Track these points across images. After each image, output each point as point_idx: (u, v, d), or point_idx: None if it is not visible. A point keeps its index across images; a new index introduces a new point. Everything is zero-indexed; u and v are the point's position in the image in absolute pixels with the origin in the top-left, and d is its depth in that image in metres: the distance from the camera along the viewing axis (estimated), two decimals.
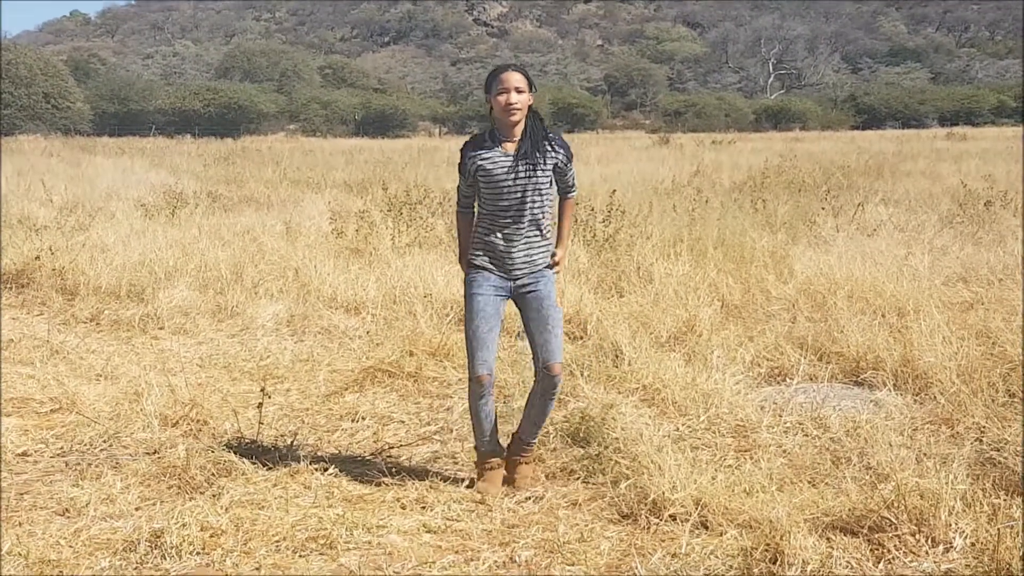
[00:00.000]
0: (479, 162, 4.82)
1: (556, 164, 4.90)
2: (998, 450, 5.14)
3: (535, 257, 4.93)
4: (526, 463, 5.07)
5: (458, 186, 5.04)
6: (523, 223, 4.86)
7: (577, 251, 10.53)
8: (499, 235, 4.86)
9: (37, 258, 10.23)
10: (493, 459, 5.01)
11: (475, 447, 5.09)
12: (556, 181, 4.95)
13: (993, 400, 5.85)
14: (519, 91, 4.78)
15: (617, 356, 6.96)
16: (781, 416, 5.86)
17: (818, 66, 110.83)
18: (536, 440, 5.12)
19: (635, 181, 19.14)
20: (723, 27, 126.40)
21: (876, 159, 25.65)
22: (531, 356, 4.98)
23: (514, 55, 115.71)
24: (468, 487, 4.93)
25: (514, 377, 6.61)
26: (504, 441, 5.15)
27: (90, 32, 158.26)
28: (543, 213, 4.90)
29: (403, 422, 6.08)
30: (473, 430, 5.04)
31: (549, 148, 4.87)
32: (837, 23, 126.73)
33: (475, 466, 5.09)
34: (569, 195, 5.12)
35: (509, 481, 5.01)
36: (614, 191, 12.79)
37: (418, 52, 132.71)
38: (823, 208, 13.56)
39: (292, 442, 5.58)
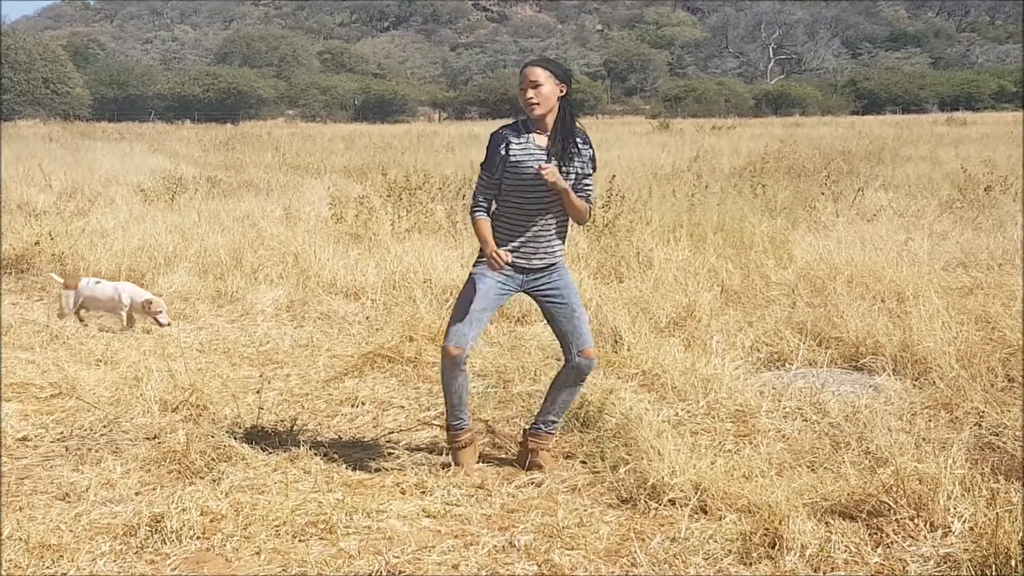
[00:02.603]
0: (513, 150, 4.78)
1: (583, 172, 4.86)
2: (997, 435, 5.14)
3: (554, 250, 4.93)
4: (546, 449, 5.05)
5: (478, 184, 4.93)
6: (548, 218, 4.85)
7: (577, 236, 10.51)
8: (521, 230, 4.85)
9: (37, 243, 10.24)
10: (462, 435, 5.01)
11: (445, 422, 5.08)
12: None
13: (992, 385, 5.85)
14: (536, 85, 4.75)
15: (616, 341, 6.96)
16: (780, 401, 5.86)
17: (818, 51, 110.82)
18: (559, 424, 5.13)
19: (635, 166, 19.12)
20: (723, 12, 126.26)
21: (876, 144, 25.60)
22: (559, 346, 5.02)
23: (513, 40, 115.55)
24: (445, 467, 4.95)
25: (514, 363, 6.62)
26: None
27: (89, 17, 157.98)
28: (564, 211, 4.89)
29: (403, 407, 6.08)
30: (445, 404, 5.01)
31: (576, 149, 4.84)
32: (837, 8, 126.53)
33: (448, 445, 5.10)
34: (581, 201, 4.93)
35: (533, 465, 5.00)
36: (614, 176, 12.78)
37: (417, 37, 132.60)
38: (823, 193, 13.54)
39: (292, 427, 5.58)
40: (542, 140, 4.84)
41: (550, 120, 4.84)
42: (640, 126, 45.25)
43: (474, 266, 4.97)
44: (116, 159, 22.60)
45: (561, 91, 4.82)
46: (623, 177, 14.87)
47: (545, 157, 4.78)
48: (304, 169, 21.62)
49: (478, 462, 5.08)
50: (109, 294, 8.13)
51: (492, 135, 4.90)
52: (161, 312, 7.99)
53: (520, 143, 4.82)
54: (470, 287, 4.88)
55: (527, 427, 5.16)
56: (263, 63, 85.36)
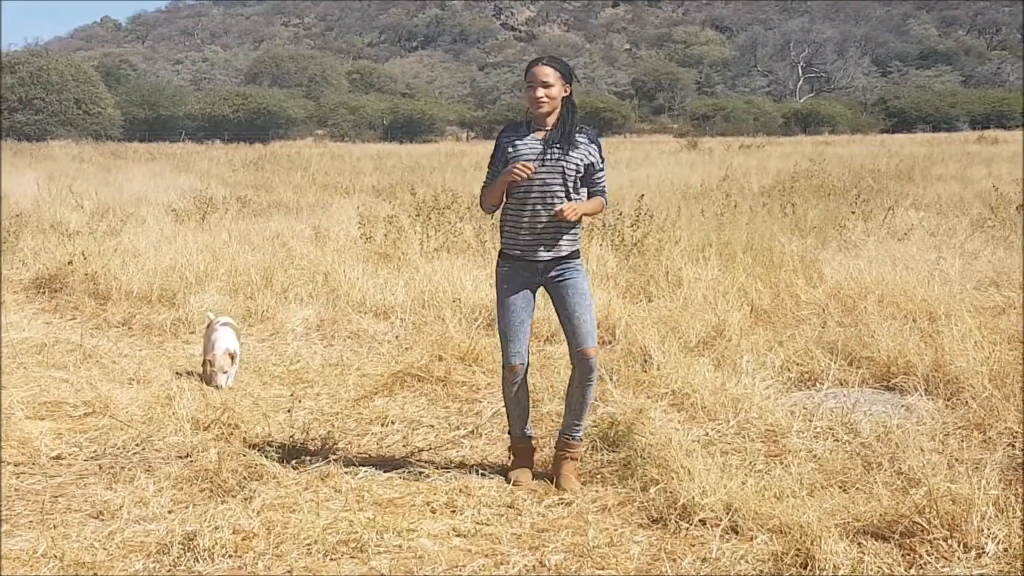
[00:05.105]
0: (514, 142, 4.94)
1: (586, 161, 4.96)
2: None
3: (562, 245, 4.99)
4: (570, 459, 5.12)
5: (486, 180, 5.10)
6: (551, 209, 4.90)
7: (605, 255, 10.52)
8: (526, 222, 4.94)
9: (70, 263, 10.31)
10: (523, 443, 5.19)
11: (508, 432, 5.27)
12: (585, 181, 5.01)
13: None
14: (546, 85, 4.88)
15: (646, 361, 6.96)
16: (811, 421, 5.84)
17: (847, 69, 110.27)
18: (580, 435, 5.17)
19: (663, 185, 19.13)
20: (752, 30, 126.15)
21: (906, 163, 25.48)
22: (567, 350, 5.11)
23: None
24: (502, 476, 5.08)
25: (543, 382, 6.62)
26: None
27: (121, 38, 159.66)
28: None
29: (432, 426, 6.10)
30: (507, 416, 5.23)
31: (581, 141, 4.96)
32: (867, 26, 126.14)
33: (508, 452, 5.28)
34: (597, 197, 5.11)
35: (553, 478, 5.08)
36: (642, 195, 12.78)
37: (446, 57, 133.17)
38: (853, 212, 13.48)
39: (322, 446, 5.61)
40: (541, 135, 4.98)
41: (552, 119, 4.97)
42: (668, 145, 45.27)
43: (496, 278, 5.09)
44: (147, 179, 22.78)
45: (566, 91, 4.96)
46: (652, 196, 14.87)
47: (541, 148, 4.90)
48: (333, 189, 21.74)
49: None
50: (210, 338, 7.26)
51: (499, 135, 5.09)
52: (216, 374, 6.97)
53: (519, 137, 4.98)
54: (501, 305, 5.03)
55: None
56: (292, 83, 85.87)
